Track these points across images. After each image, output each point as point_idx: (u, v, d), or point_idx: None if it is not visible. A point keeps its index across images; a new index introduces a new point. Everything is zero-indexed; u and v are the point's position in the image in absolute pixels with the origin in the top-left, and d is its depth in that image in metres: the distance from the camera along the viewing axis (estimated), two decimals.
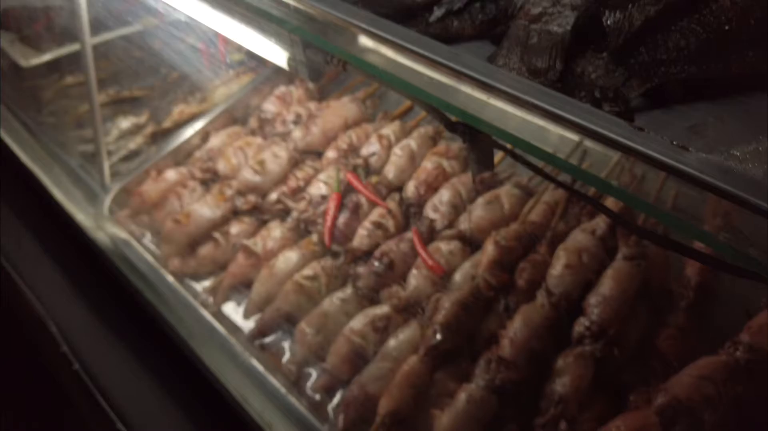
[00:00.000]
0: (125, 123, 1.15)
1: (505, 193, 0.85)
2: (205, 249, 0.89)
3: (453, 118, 0.52)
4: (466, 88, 0.42)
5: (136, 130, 1.14)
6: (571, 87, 0.44)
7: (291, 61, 0.58)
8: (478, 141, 0.49)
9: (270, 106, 1.06)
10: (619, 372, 0.68)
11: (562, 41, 0.45)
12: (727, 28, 0.46)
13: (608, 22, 0.45)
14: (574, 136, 0.38)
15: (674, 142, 0.37)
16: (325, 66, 0.55)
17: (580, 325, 0.70)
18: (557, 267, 0.74)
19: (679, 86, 0.45)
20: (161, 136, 1.11)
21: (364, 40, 0.51)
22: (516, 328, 0.70)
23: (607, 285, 0.71)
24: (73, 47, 1.32)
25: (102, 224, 0.94)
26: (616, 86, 0.43)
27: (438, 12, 0.53)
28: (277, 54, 0.60)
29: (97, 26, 1.40)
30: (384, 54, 0.48)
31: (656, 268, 0.74)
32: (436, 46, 0.46)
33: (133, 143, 1.11)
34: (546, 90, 0.40)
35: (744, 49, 0.46)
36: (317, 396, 0.73)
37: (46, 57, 1.28)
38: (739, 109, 0.45)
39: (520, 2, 0.50)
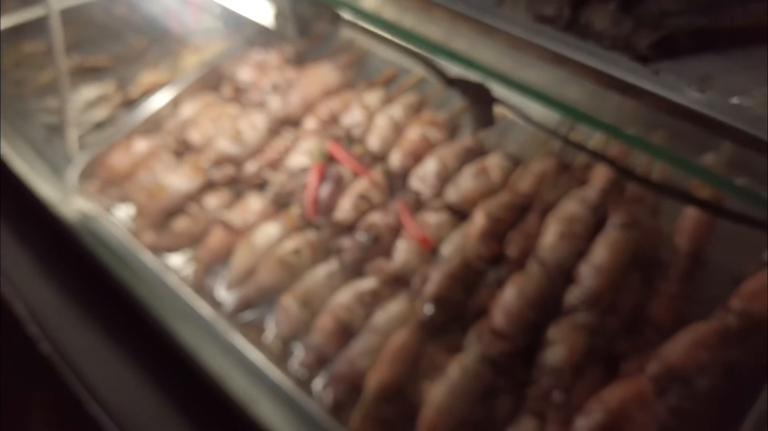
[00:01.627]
0: (91, 92, 1.11)
1: (493, 163, 0.84)
2: (181, 223, 0.86)
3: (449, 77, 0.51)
4: (472, 34, 0.41)
5: (103, 99, 1.10)
6: (578, 37, 0.43)
7: (278, 17, 0.56)
8: (478, 96, 0.48)
9: (245, 74, 1.03)
10: (611, 340, 0.69)
11: None
12: None
13: None
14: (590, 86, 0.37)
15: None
16: (314, 21, 0.53)
17: (572, 294, 0.70)
18: (548, 237, 0.74)
19: (686, 37, 0.44)
20: (130, 105, 1.07)
21: None
22: (507, 298, 0.70)
23: (598, 254, 0.71)
24: (36, 12, 1.27)
25: (69, 198, 0.91)
26: (626, 36, 0.43)
27: None
28: (261, 10, 0.57)
29: None
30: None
31: (647, 237, 0.75)
32: None
33: (101, 114, 1.07)
34: (557, 34, 0.39)
35: (748, 1, 0.46)
36: (304, 372, 0.72)
37: (6, 23, 1.23)
38: (744, 59, 0.44)
39: None
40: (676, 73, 0.42)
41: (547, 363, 0.67)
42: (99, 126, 1.06)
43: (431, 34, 0.42)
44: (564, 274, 0.72)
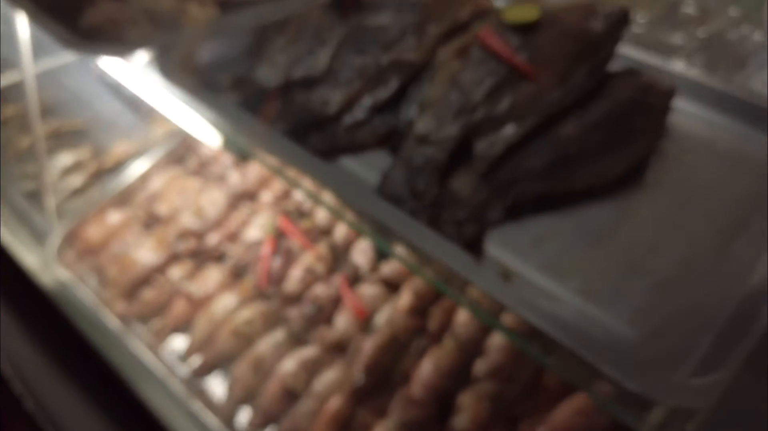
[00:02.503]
0: (68, 159, 1.22)
1: None
2: (148, 293, 0.98)
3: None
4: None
5: (78, 166, 1.21)
6: (444, 203, 0.56)
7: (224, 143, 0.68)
8: None
9: (207, 149, 1.15)
10: (511, 405, 0.82)
11: (439, 166, 0.57)
12: (569, 152, 0.59)
13: (476, 149, 0.58)
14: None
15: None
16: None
17: (479, 366, 0.83)
18: (461, 313, 0.87)
19: (529, 201, 0.58)
20: (104, 174, 1.18)
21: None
22: (424, 370, 0.83)
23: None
24: (11, 77, 1.37)
25: (50, 267, 1.02)
26: (480, 205, 0.56)
27: (346, 123, 0.64)
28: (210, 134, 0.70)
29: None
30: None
31: None
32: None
33: (77, 181, 1.18)
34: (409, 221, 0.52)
35: (582, 168, 0.59)
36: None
37: None
38: (577, 220, 0.58)
39: (411, 118, 0.62)
40: (514, 236, 0.55)
41: (456, 427, 0.80)
42: (75, 193, 1.18)
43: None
44: (474, 347, 0.85)
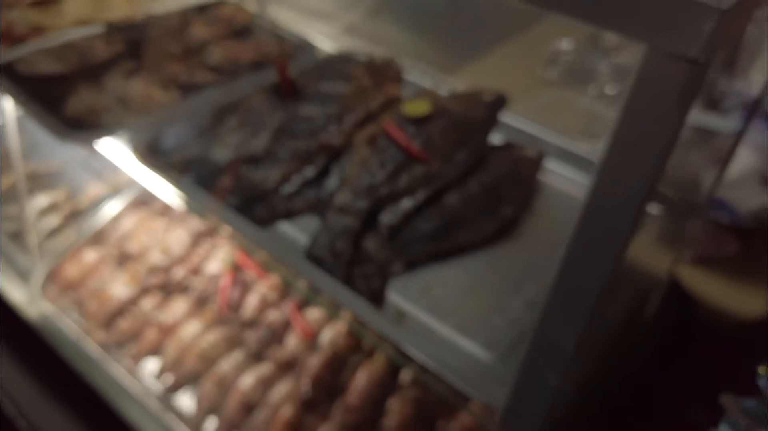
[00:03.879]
0: (44, 200, 1.37)
1: None
2: (124, 323, 1.15)
3: None
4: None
5: (54, 208, 1.36)
6: (357, 261, 0.75)
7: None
8: None
9: None
10: (431, 408, 1.01)
11: (354, 231, 0.76)
12: (453, 218, 0.78)
13: (382, 219, 0.77)
14: None
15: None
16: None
17: (404, 376, 1.02)
18: None
19: (423, 257, 0.77)
20: (78, 215, 1.34)
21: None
22: (358, 381, 1.02)
23: None
24: None
25: (36, 302, 1.18)
26: (384, 262, 0.75)
27: (281, 194, 0.82)
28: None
29: None
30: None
31: None
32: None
33: (53, 221, 1.34)
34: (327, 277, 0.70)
35: (464, 230, 0.78)
36: None
37: None
38: (460, 269, 0.77)
39: (333, 191, 0.81)
40: (409, 284, 0.74)
41: (385, 426, 0.99)
42: (52, 233, 1.33)
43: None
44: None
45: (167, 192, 0.82)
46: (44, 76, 0.94)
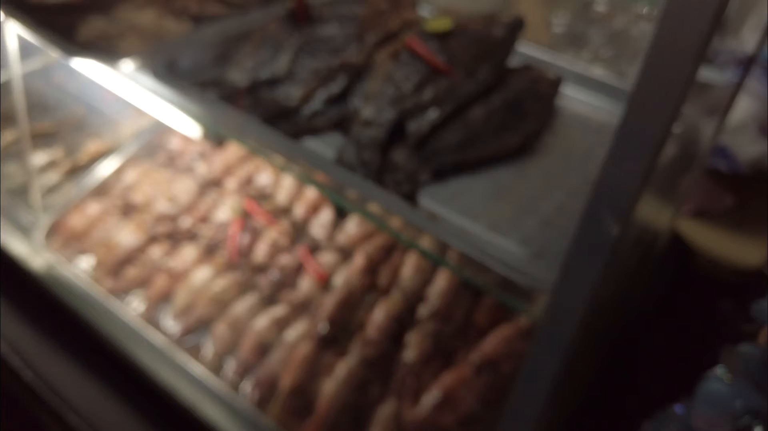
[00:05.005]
0: (43, 158, 1.35)
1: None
2: (132, 270, 1.13)
3: None
4: None
5: (53, 165, 1.34)
6: (386, 170, 0.75)
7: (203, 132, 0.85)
8: None
9: (174, 143, 1.31)
10: (448, 341, 1.02)
11: (381, 143, 0.76)
12: (477, 130, 0.79)
13: (409, 128, 0.77)
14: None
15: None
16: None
17: (422, 311, 1.03)
18: (406, 270, 1.07)
19: (449, 167, 0.77)
20: (78, 171, 1.32)
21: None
22: (377, 316, 1.02)
23: (439, 281, 1.05)
24: None
25: (38, 254, 1.16)
26: (411, 171, 0.75)
27: (305, 113, 0.82)
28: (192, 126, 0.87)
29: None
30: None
31: None
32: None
33: (52, 178, 1.32)
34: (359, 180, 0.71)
35: (487, 142, 0.79)
36: (235, 379, 1.01)
37: None
38: (485, 179, 0.78)
39: (357, 107, 0.81)
40: (439, 192, 0.74)
41: (404, 360, 0.99)
42: (51, 189, 1.31)
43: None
44: (417, 296, 1.05)
45: (183, 116, 0.81)
46: (53, 6, 0.92)
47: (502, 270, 0.61)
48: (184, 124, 0.85)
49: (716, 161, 1.27)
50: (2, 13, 0.94)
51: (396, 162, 0.76)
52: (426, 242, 0.72)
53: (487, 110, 0.80)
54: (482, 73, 0.81)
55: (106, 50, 0.86)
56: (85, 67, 0.91)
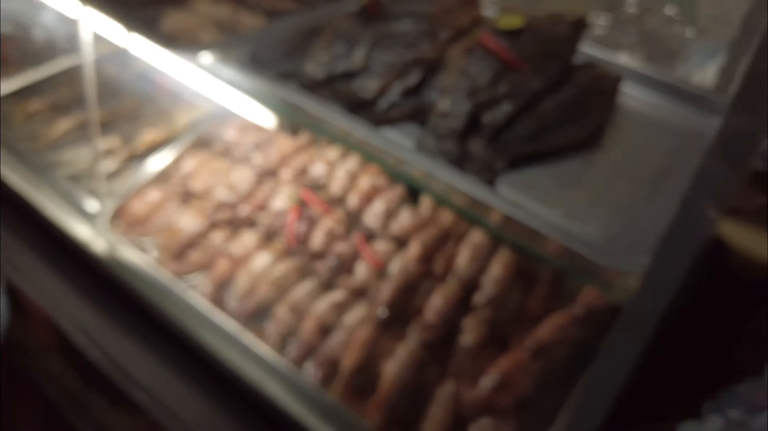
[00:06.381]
0: (101, 145, 1.40)
1: (423, 204, 1.21)
2: (195, 254, 1.19)
3: None
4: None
5: (111, 153, 1.40)
6: (464, 160, 0.80)
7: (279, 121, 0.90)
8: None
9: (231, 134, 1.36)
10: (503, 327, 1.06)
11: (458, 133, 0.81)
12: (547, 123, 0.83)
13: (485, 120, 0.82)
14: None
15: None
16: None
17: (477, 298, 1.07)
18: (461, 258, 1.11)
19: (522, 157, 0.82)
20: (135, 159, 1.38)
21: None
22: (434, 302, 1.07)
23: (494, 269, 1.09)
24: (40, 72, 1.55)
25: (102, 238, 1.22)
26: (488, 160, 0.80)
27: (382, 104, 0.87)
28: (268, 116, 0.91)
29: (53, 54, 1.63)
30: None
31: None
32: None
33: (111, 166, 1.37)
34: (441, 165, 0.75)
35: (557, 134, 0.84)
36: (298, 359, 1.06)
37: (14, 85, 1.51)
38: (556, 169, 0.82)
39: (434, 99, 0.86)
40: (514, 180, 0.79)
41: (462, 344, 1.04)
42: (110, 177, 1.36)
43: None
44: (472, 284, 1.09)
45: (268, 102, 0.86)
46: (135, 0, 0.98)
47: (587, 254, 0.65)
48: (259, 114, 0.90)
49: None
50: (81, 1, 0.99)
51: (472, 151, 0.80)
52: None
53: (556, 104, 0.85)
54: (551, 69, 0.86)
55: (192, 42, 0.91)
56: (163, 57, 0.96)
